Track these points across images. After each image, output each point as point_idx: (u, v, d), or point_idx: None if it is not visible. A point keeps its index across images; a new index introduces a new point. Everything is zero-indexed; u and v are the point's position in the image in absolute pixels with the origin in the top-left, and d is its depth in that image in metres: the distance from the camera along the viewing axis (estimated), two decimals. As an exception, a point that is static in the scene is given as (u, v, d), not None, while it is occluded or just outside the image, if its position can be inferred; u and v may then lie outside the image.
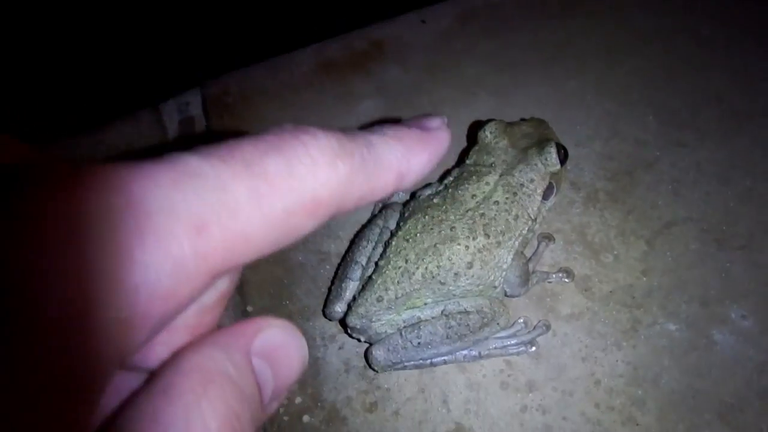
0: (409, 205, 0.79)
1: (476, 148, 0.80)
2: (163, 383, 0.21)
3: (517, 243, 0.75)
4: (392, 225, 0.81)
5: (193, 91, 1.07)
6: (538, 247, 0.83)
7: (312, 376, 0.77)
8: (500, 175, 0.76)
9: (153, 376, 0.22)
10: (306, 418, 0.73)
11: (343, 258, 0.83)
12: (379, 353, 0.73)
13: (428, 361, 0.74)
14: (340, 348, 0.79)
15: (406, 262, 0.73)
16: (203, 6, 1.30)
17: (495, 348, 0.75)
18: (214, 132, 1.02)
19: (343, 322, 0.76)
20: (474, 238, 0.72)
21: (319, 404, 0.74)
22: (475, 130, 0.82)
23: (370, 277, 0.75)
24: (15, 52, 1.20)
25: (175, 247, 0.19)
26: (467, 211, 0.74)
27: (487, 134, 0.80)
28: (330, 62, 1.09)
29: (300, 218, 0.23)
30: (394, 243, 0.75)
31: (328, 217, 0.24)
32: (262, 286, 0.84)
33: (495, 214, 0.73)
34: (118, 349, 0.19)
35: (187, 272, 0.20)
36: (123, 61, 1.20)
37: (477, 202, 0.74)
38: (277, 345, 0.25)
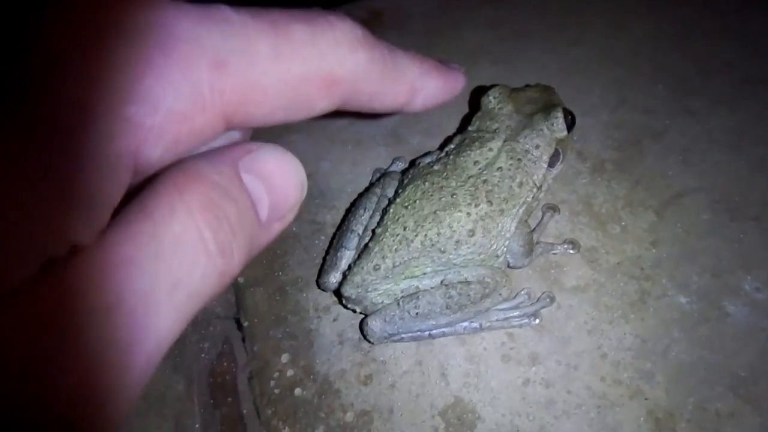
0: (409, 173, 0.76)
1: (479, 114, 0.77)
2: (152, 185, 0.22)
3: (521, 211, 0.71)
4: (390, 193, 0.77)
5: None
6: (542, 217, 0.79)
7: (305, 348, 0.73)
8: (504, 141, 0.72)
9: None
10: (298, 390, 0.70)
11: (339, 227, 0.80)
12: (375, 324, 0.70)
13: (426, 333, 0.71)
14: (334, 320, 0.76)
15: (405, 229, 0.69)
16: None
17: (497, 320, 0.72)
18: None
19: (337, 293, 0.73)
20: (476, 205, 0.69)
21: (311, 377, 0.71)
22: (477, 96, 0.78)
23: (366, 245, 0.72)
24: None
25: (195, 73, 0.21)
26: (469, 178, 0.70)
27: (491, 99, 0.76)
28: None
29: (313, 89, 0.24)
30: (392, 210, 0.71)
31: (338, 100, 0.25)
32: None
33: (498, 181, 0.70)
34: (132, 147, 0.20)
35: (203, 101, 0.21)
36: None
37: (480, 169, 0.71)
38: (269, 164, 0.25)
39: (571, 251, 0.77)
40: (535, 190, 0.72)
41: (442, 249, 0.69)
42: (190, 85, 0.21)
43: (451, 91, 0.31)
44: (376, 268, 0.69)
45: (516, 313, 0.72)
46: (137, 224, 0.20)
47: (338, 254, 0.75)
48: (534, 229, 0.77)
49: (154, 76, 0.20)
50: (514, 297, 0.74)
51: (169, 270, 0.21)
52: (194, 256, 0.22)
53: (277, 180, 0.26)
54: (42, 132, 0.19)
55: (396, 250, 0.69)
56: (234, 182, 0.24)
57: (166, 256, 0.21)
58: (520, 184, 0.71)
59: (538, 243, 0.76)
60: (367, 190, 0.81)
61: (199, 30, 0.21)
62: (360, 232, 0.75)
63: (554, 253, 0.77)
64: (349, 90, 0.25)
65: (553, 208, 0.80)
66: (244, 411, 0.70)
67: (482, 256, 0.70)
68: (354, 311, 0.73)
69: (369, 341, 0.71)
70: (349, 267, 0.72)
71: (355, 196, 0.82)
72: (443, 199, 0.69)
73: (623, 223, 0.79)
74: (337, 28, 0.24)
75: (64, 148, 0.19)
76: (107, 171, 0.20)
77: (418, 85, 0.29)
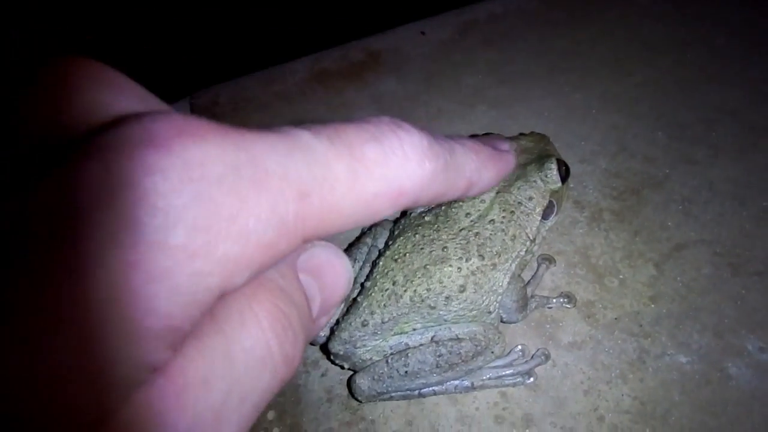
0: (400, 223, 0.74)
1: (472, 163, 0.75)
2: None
3: (513, 265, 0.69)
4: (381, 243, 0.76)
5: (183, 102, 1.03)
6: (537, 269, 0.77)
7: (292, 404, 0.71)
8: (497, 193, 0.71)
9: None
10: (282, 452, 0.68)
11: (329, 278, 0.78)
12: (363, 382, 0.68)
13: (416, 392, 0.69)
14: (323, 375, 0.74)
15: (394, 284, 0.67)
16: (198, 17, 1.27)
17: (489, 378, 0.70)
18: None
19: (325, 348, 0.71)
20: (467, 260, 0.67)
21: (297, 437, 0.69)
22: (471, 144, 0.77)
23: (354, 299, 0.70)
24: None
25: (282, 206, 0.22)
26: (461, 230, 0.69)
27: (484, 148, 0.75)
28: (325, 72, 1.05)
29: (383, 203, 0.25)
30: (381, 263, 0.70)
31: (404, 207, 0.27)
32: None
33: (490, 234, 0.68)
34: (222, 281, 0.21)
35: (287, 230, 0.22)
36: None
37: (471, 221, 0.69)
38: (322, 261, 0.27)
39: (568, 305, 0.75)
40: (528, 243, 0.70)
41: (432, 305, 0.67)
42: (278, 218, 0.22)
43: (503, 175, 0.33)
44: (365, 324, 0.67)
45: (509, 371, 0.70)
46: (210, 339, 0.22)
47: (327, 307, 0.73)
48: (528, 281, 0.75)
49: (248, 211, 0.21)
50: (508, 354, 0.71)
51: (239, 387, 0.22)
52: (261, 371, 0.23)
53: (329, 278, 0.27)
54: (144, 267, 0.19)
55: (385, 305, 0.67)
56: (295, 285, 0.25)
57: (237, 374, 0.22)
58: (513, 238, 0.69)
59: (532, 296, 0.74)
60: (358, 239, 0.79)
61: (287, 162, 0.22)
62: (349, 284, 0.74)
63: (549, 307, 0.75)
64: (414, 198, 0.26)
65: (549, 260, 0.78)
66: (227, 471, 0.68)
67: (474, 312, 0.68)
68: (342, 367, 0.71)
69: (357, 400, 0.69)
70: (337, 321, 0.70)
71: (346, 244, 0.81)
72: (434, 252, 0.68)
73: (621, 277, 0.77)
74: (405, 142, 0.26)
75: (160, 285, 0.20)
76: (197, 303, 0.21)
77: (476, 179, 0.30)
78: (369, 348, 0.68)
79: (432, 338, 0.67)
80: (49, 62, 0.24)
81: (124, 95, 0.24)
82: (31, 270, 0.18)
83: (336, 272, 0.28)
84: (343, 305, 0.72)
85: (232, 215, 0.21)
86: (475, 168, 0.30)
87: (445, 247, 0.67)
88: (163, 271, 0.19)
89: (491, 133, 0.36)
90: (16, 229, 0.19)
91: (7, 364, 0.18)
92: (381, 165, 0.25)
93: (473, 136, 0.32)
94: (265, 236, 0.22)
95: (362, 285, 0.71)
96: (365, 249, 0.76)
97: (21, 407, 0.18)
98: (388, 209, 0.26)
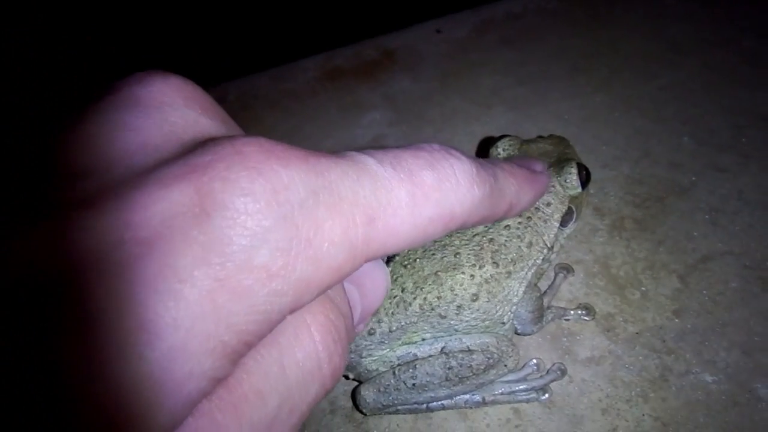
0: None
1: (488, 166, 0.72)
2: None
3: (530, 274, 0.65)
4: (391, 248, 0.72)
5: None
6: (554, 279, 0.74)
7: (293, 415, 0.68)
8: (513, 197, 0.67)
9: None
10: (281, 465, 0.65)
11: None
12: (368, 394, 0.64)
13: (424, 406, 0.65)
14: (326, 385, 0.70)
15: (403, 291, 0.64)
16: (209, 13, 1.25)
17: (501, 393, 0.66)
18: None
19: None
20: (481, 267, 0.63)
21: (297, 450, 0.66)
22: (487, 147, 0.73)
23: (361, 306, 0.67)
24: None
25: (353, 230, 0.23)
26: (474, 236, 0.65)
27: (500, 151, 0.71)
28: (337, 70, 1.02)
29: (436, 227, 0.26)
30: (390, 268, 0.66)
31: (453, 230, 0.28)
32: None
33: (505, 241, 0.65)
34: (294, 304, 0.22)
35: (355, 253, 0.23)
36: (119, 68, 1.16)
37: (486, 226, 0.66)
38: (364, 270, 0.27)
39: (586, 318, 0.71)
40: (545, 251, 0.66)
41: (443, 314, 0.63)
42: (349, 242, 0.23)
43: (540, 197, 0.35)
44: (371, 333, 0.64)
45: (523, 386, 0.66)
46: (266, 350, 0.22)
47: (332, 314, 0.70)
48: (545, 292, 0.71)
49: (323, 235, 0.22)
50: (522, 368, 0.68)
51: (290, 399, 0.23)
52: (311, 383, 0.24)
53: (369, 286, 0.29)
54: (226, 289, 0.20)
55: (393, 313, 0.64)
56: (342, 295, 0.26)
57: (289, 386, 0.23)
58: (530, 245, 0.65)
59: (549, 308, 0.70)
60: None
61: (357, 188, 0.23)
62: (356, 290, 0.71)
63: (567, 319, 0.71)
64: (462, 222, 0.28)
65: (567, 269, 0.75)
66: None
67: (487, 323, 0.65)
68: (347, 377, 0.68)
69: (362, 412, 0.65)
70: (343, 329, 0.67)
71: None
72: (445, 258, 0.64)
73: (643, 289, 0.73)
74: (457, 169, 0.27)
75: (240, 302, 0.20)
76: (270, 321, 0.21)
77: (515, 201, 0.32)
78: (375, 358, 0.65)
79: (442, 349, 0.64)
80: (146, 80, 0.25)
81: (209, 115, 0.25)
82: (130, 280, 0.19)
83: (376, 281, 0.29)
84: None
85: (309, 238, 0.22)
86: (515, 192, 0.31)
87: (458, 253, 0.64)
88: (245, 289, 0.20)
89: (531, 157, 0.37)
90: (113, 239, 0.19)
91: (99, 362, 0.18)
92: (436, 190, 0.26)
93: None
94: (336, 260, 0.23)
95: (369, 292, 0.67)
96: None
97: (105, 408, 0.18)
98: (440, 233, 0.27)
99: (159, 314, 0.19)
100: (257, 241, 0.20)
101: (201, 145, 0.22)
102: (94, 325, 0.19)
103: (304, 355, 0.23)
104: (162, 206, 0.20)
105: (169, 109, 0.25)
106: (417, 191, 0.25)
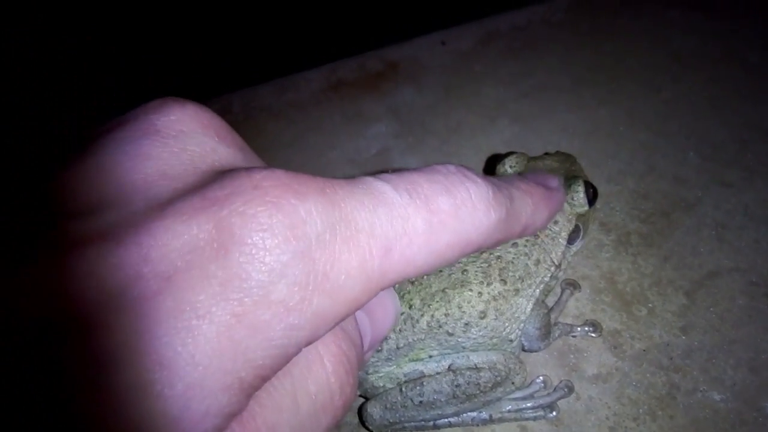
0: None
1: (494, 182, 0.72)
2: None
3: (537, 291, 0.65)
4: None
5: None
6: (561, 295, 0.73)
7: (299, 432, 0.68)
8: (521, 213, 0.67)
9: None
10: (288, 484, 0.64)
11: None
12: (374, 410, 0.64)
13: (431, 423, 0.65)
14: (332, 401, 0.70)
15: (410, 308, 0.64)
16: (213, 24, 1.25)
17: (509, 411, 0.66)
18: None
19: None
20: (488, 284, 0.63)
21: (304, 468, 0.65)
22: (493, 163, 0.73)
23: (368, 323, 0.66)
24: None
25: (369, 262, 0.23)
26: (482, 254, 0.65)
27: (507, 168, 0.71)
28: (341, 82, 1.02)
29: (452, 252, 0.26)
30: (397, 286, 0.66)
31: (468, 254, 0.28)
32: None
33: (513, 258, 0.64)
34: (312, 335, 0.22)
35: (370, 284, 0.23)
36: (122, 78, 1.15)
37: (494, 244, 0.65)
38: (377, 299, 0.26)
39: (593, 334, 0.71)
40: (553, 268, 0.66)
41: (450, 331, 0.63)
42: (365, 275, 0.23)
43: (555, 215, 0.35)
44: (378, 349, 0.63)
45: (530, 403, 0.66)
46: (279, 382, 0.22)
47: (338, 330, 0.69)
48: (552, 308, 0.71)
49: (339, 268, 0.22)
50: (529, 385, 0.67)
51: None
52: (323, 415, 0.23)
53: (379, 314, 0.28)
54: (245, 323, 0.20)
55: (400, 330, 0.63)
56: (353, 324, 0.26)
57: (301, 419, 0.23)
58: (537, 262, 0.65)
59: (556, 324, 0.70)
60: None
61: (373, 218, 0.23)
62: (363, 306, 0.70)
63: (573, 336, 0.71)
64: (478, 246, 0.27)
65: (574, 285, 0.74)
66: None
67: (494, 340, 0.64)
68: (353, 394, 0.68)
69: (368, 429, 0.65)
70: (349, 346, 0.67)
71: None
72: (453, 275, 0.64)
73: (650, 305, 0.72)
74: (473, 193, 0.27)
75: (257, 337, 0.20)
76: (286, 355, 0.21)
77: (530, 222, 0.31)
78: (382, 374, 0.65)
79: (449, 367, 0.64)
80: (163, 108, 0.25)
81: (226, 143, 0.25)
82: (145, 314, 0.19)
83: (386, 308, 0.29)
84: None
85: (326, 272, 0.22)
86: (531, 213, 0.31)
87: (465, 270, 0.64)
88: (262, 324, 0.20)
89: (544, 173, 0.36)
90: (132, 274, 0.19)
91: (127, 397, 0.18)
92: (453, 217, 0.26)
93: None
94: (353, 292, 0.23)
95: (376, 308, 0.67)
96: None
97: None
98: (456, 258, 0.27)
99: (177, 351, 0.19)
100: (275, 276, 0.20)
101: (219, 176, 0.22)
102: (109, 364, 0.18)
103: (317, 387, 0.23)
104: (181, 241, 0.20)
105: (186, 137, 0.24)
106: (433, 219, 0.25)
